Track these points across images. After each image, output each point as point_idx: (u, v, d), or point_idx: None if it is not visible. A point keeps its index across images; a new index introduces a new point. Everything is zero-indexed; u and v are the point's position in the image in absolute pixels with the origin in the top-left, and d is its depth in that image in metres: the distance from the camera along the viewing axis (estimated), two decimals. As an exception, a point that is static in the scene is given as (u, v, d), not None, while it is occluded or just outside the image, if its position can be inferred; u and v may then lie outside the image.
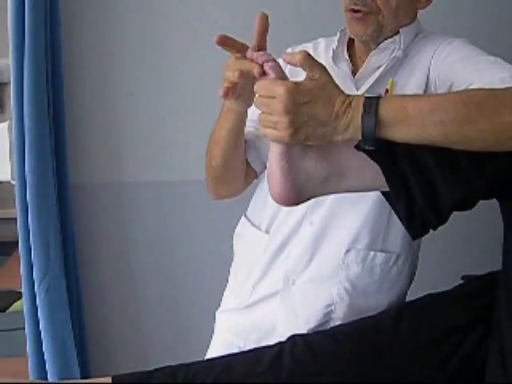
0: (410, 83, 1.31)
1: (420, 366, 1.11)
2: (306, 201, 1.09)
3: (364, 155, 1.03)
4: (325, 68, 1.00)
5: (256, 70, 1.03)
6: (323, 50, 1.43)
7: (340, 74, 1.35)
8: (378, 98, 0.98)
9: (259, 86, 1.02)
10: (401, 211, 1.06)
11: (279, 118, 0.98)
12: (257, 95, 1.03)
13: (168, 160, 2.16)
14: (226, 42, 1.08)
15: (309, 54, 0.99)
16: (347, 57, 1.39)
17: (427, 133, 0.96)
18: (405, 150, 1.00)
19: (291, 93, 0.97)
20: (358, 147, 1.03)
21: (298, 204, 1.09)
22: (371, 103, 0.97)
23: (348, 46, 1.41)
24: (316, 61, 1.00)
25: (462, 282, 1.23)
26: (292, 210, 1.36)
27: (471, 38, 1.34)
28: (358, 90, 1.34)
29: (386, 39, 1.35)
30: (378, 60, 1.35)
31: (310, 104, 0.98)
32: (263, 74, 1.03)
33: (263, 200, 1.46)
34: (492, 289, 1.14)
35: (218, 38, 1.07)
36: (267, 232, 1.44)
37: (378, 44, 1.35)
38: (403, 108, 0.97)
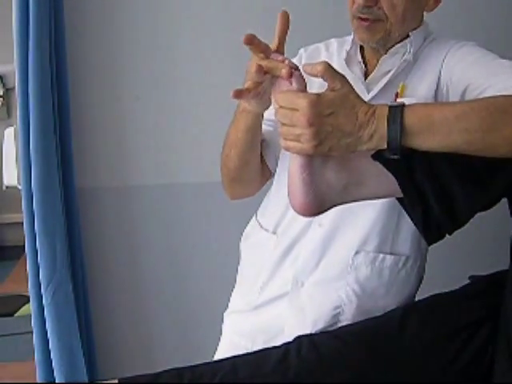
0: (421, 87, 1.31)
1: (427, 366, 1.11)
2: (326, 210, 1.10)
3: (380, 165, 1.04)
4: (345, 78, 1.01)
5: (284, 71, 1.02)
6: (335, 51, 1.43)
7: (353, 77, 1.35)
8: (403, 106, 0.98)
9: (281, 98, 1.01)
10: (417, 219, 1.07)
11: (302, 130, 0.98)
12: (277, 106, 1.02)
13: (174, 163, 2.17)
14: (253, 42, 1.07)
15: (329, 65, 0.99)
16: (360, 58, 1.39)
17: (452, 141, 0.97)
18: (422, 160, 1.01)
19: (314, 105, 0.97)
20: (374, 157, 1.04)
21: (318, 214, 1.10)
22: (396, 112, 0.98)
23: (361, 47, 1.40)
24: (337, 71, 1.00)
25: (469, 282, 1.23)
26: None
27: (478, 40, 1.34)
28: (368, 93, 1.34)
29: (396, 44, 1.34)
30: (389, 64, 1.35)
31: (333, 115, 0.98)
32: (291, 75, 1.02)
33: (270, 200, 1.47)
34: (498, 288, 1.13)
35: (246, 37, 1.05)
36: (274, 233, 1.43)
37: (388, 49, 1.35)
38: (428, 116, 0.97)
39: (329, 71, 0.99)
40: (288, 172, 1.08)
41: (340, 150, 1.01)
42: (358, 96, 1.01)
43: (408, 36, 1.34)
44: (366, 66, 1.39)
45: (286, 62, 1.05)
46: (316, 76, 1.00)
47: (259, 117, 1.28)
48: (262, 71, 1.07)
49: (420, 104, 1.05)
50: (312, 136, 0.98)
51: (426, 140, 0.98)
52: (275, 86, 1.09)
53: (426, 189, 1.03)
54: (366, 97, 1.32)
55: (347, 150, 1.01)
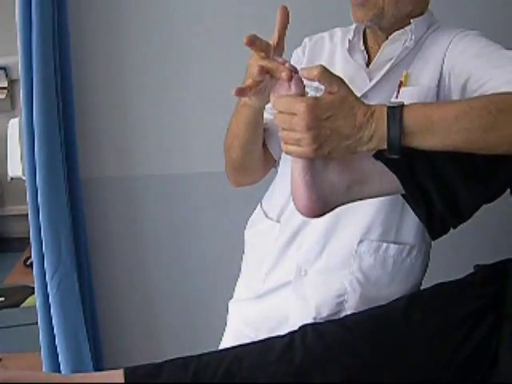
0: (424, 75, 1.30)
1: (431, 354, 1.11)
2: (330, 211, 1.11)
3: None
4: (343, 80, 1.02)
5: (284, 74, 1.04)
6: (339, 40, 1.43)
7: (355, 65, 1.36)
8: (401, 106, 0.99)
9: (279, 103, 1.03)
10: (421, 215, 1.09)
11: (302, 134, 0.99)
12: (276, 111, 1.04)
13: (178, 153, 2.17)
14: (254, 43, 1.08)
15: (325, 69, 1.00)
16: (363, 47, 1.38)
17: (452, 140, 0.98)
18: (423, 158, 1.02)
19: (312, 109, 0.98)
20: (376, 156, 1.05)
21: (323, 215, 1.11)
22: (395, 112, 0.98)
23: (364, 36, 1.40)
24: (333, 74, 1.01)
25: (473, 271, 1.23)
26: None
27: (482, 29, 1.34)
28: (370, 81, 1.34)
29: (396, 30, 1.34)
30: (390, 51, 1.34)
31: (331, 118, 0.99)
32: (291, 77, 1.03)
33: (275, 189, 1.47)
34: (503, 276, 1.14)
35: (247, 38, 1.07)
36: (278, 221, 1.44)
37: (389, 34, 1.34)
38: (428, 116, 0.99)
39: (325, 75, 1.00)
40: (291, 175, 1.10)
41: (340, 153, 1.02)
42: (356, 97, 1.02)
43: (409, 23, 1.33)
44: (368, 54, 1.39)
45: (287, 64, 1.06)
46: (313, 80, 1.01)
47: (260, 110, 1.29)
48: (263, 72, 1.09)
49: (419, 104, 1.06)
50: (311, 140, 0.99)
51: (426, 140, 0.99)
52: (274, 88, 1.10)
53: (429, 186, 1.04)
54: (368, 84, 1.33)
55: (347, 151, 1.02)
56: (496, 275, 1.15)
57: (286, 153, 1.05)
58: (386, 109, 0.99)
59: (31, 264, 1.92)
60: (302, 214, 1.11)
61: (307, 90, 1.07)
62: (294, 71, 1.04)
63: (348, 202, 1.12)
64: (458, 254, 2.08)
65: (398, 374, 1.10)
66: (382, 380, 1.11)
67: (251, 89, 1.12)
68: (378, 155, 1.05)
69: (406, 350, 1.11)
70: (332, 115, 0.99)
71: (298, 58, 1.45)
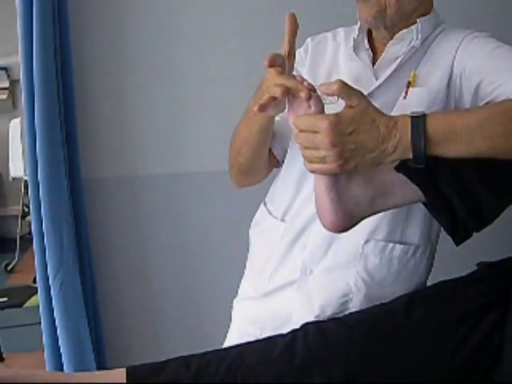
0: (433, 77, 1.30)
1: (433, 352, 1.11)
2: (355, 224, 1.13)
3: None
4: (362, 94, 1.02)
5: (303, 94, 1.04)
6: (343, 40, 1.43)
7: (361, 64, 1.36)
8: (424, 116, 1.00)
9: (299, 122, 1.04)
10: (445, 224, 1.10)
11: (327, 152, 1.01)
12: (297, 131, 1.05)
13: (179, 152, 2.17)
14: (275, 63, 1.09)
15: (344, 83, 1.01)
16: (367, 46, 1.38)
17: (476, 147, 1.00)
18: (445, 166, 1.03)
19: (334, 125, 0.99)
20: (397, 169, 1.06)
21: (349, 229, 1.13)
22: (418, 122, 1.00)
23: (368, 34, 1.40)
24: (353, 88, 1.02)
25: (476, 268, 1.23)
26: (309, 200, 1.35)
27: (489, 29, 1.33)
28: (377, 79, 1.33)
29: (402, 29, 1.33)
30: (395, 50, 1.34)
31: (354, 133, 1.00)
32: (310, 97, 1.04)
33: (278, 188, 1.47)
34: (506, 274, 1.14)
35: (269, 61, 1.08)
36: (282, 220, 1.43)
37: (394, 34, 1.34)
38: (450, 125, 1.00)
39: (344, 89, 1.01)
40: (315, 193, 1.11)
41: (366, 166, 1.03)
42: (376, 109, 1.03)
43: (415, 22, 1.33)
44: (373, 53, 1.39)
45: (305, 83, 1.06)
46: (332, 95, 1.03)
47: (273, 118, 1.31)
48: (286, 93, 1.08)
49: (440, 112, 1.08)
50: (337, 156, 1.00)
51: (450, 148, 1.01)
52: (292, 106, 1.10)
53: (451, 194, 1.05)
54: (375, 83, 1.33)
55: (373, 164, 1.03)
56: (499, 273, 1.16)
57: (311, 171, 1.06)
58: (409, 119, 1.01)
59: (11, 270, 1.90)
60: (328, 229, 1.13)
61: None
62: (312, 89, 1.05)
63: (373, 214, 1.14)
64: (462, 251, 2.08)
65: (400, 372, 1.10)
66: (383, 378, 1.11)
67: (271, 103, 1.12)
68: (399, 167, 1.06)
69: (408, 348, 1.11)
70: (355, 129, 1.00)
71: (301, 58, 1.45)
